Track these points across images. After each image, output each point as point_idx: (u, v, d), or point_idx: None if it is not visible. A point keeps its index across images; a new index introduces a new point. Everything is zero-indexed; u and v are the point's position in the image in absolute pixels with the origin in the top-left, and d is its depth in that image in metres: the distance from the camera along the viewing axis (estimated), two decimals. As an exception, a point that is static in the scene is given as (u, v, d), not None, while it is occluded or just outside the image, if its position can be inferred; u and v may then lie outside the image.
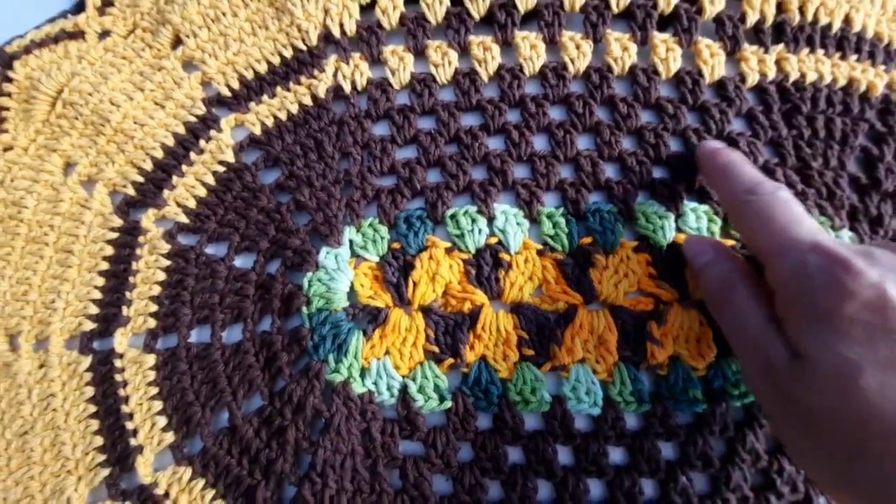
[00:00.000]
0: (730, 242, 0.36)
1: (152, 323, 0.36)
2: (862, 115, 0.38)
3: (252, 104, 0.39)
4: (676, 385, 0.34)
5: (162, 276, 0.37)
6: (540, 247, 0.36)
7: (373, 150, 0.38)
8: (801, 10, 0.39)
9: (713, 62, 0.38)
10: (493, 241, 0.36)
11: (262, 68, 0.39)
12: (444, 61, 0.39)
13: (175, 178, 0.38)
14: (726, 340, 0.34)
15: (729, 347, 0.34)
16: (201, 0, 0.40)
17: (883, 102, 0.38)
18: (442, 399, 0.34)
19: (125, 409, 0.35)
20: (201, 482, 0.33)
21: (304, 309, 0.35)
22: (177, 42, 0.41)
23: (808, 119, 0.38)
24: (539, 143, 0.38)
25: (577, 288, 0.35)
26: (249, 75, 0.39)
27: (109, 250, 0.37)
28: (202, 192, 0.38)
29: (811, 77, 0.38)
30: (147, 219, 0.38)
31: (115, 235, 0.38)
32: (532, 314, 0.35)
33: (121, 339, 0.36)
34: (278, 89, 0.39)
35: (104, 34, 0.41)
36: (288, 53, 0.39)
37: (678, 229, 0.36)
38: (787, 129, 0.38)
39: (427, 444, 0.34)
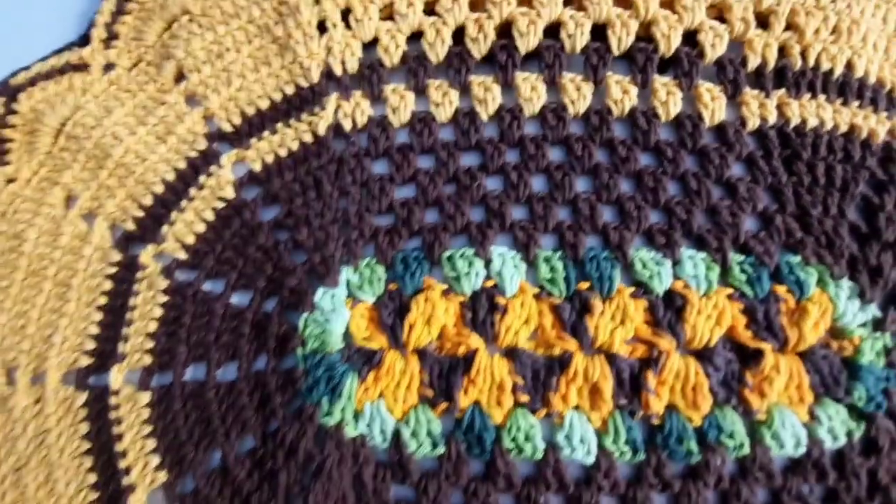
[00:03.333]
0: (728, 290, 0.36)
1: (148, 360, 0.36)
2: (863, 162, 0.37)
3: (253, 140, 0.39)
4: (671, 435, 0.34)
5: (159, 312, 0.37)
6: (537, 290, 0.36)
7: (371, 188, 0.38)
8: (803, 55, 0.38)
9: (713, 106, 0.38)
10: (490, 284, 0.36)
11: (264, 104, 0.40)
12: (444, 100, 0.39)
13: (174, 214, 0.38)
14: (721, 390, 0.34)
15: (725, 397, 0.34)
16: (205, 35, 0.40)
17: (884, 150, 0.38)
18: (435, 444, 0.34)
19: (119, 446, 0.35)
20: (193, 523, 0.33)
21: (299, 350, 0.35)
22: (180, 76, 0.41)
23: (809, 165, 0.37)
24: (537, 184, 0.38)
25: (573, 333, 0.35)
26: (251, 111, 0.40)
27: (108, 285, 0.38)
28: (201, 227, 0.38)
29: (812, 123, 0.38)
30: (146, 254, 0.38)
31: (114, 270, 0.38)
32: (527, 359, 0.35)
33: (116, 376, 0.36)
34: (279, 126, 0.39)
35: (109, 67, 0.42)
36: (290, 90, 0.40)
37: (675, 276, 0.36)
38: (787, 175, 0.37)
39: (419, 489, 0.33)
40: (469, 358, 0.35)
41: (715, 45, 0.38)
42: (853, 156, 0.38)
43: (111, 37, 0.42)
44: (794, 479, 0.33)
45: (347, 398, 0.35)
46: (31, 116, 0.40)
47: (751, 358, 0.35)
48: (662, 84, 0.38)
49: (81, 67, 0.42)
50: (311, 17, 0.39)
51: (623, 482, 0.34)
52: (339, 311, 0.35)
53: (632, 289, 0.36)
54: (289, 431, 0.34)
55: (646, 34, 0.39)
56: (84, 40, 0.42)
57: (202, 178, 0.39)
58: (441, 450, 0.34)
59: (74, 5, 0.43)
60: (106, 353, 0.37)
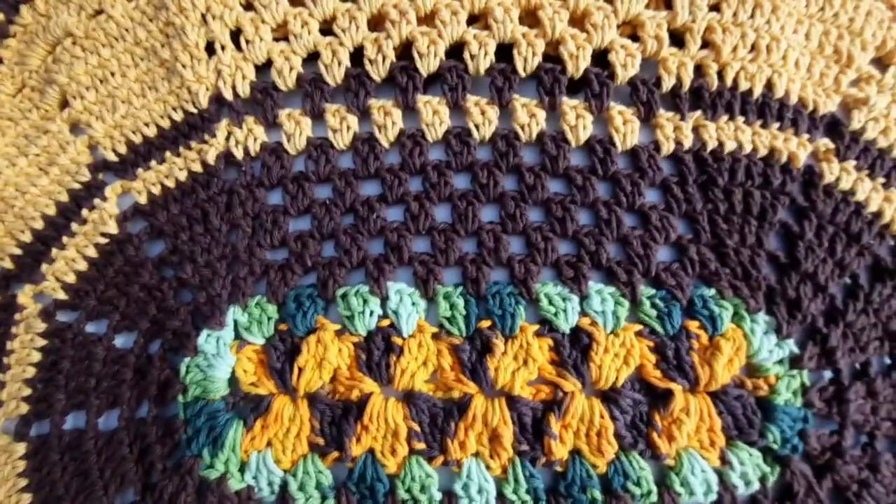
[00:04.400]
0: (637, 327, 0.34)
1: (25, 408, 0.34)
2: (783, 188, 0.35)
3: (139, 170, 0.37)
4: (575, 483, 0.32)
5: (37, 356, 0.35)
6: (435, 330, 0.34)
7: (264, 221, 0.36)
8: (721, 75, 0.36)
9: (626, 129, 0.36)
10: (386, 323, 0.34)
11: (151, 132, 0.37)
12: (342, 126, 0.36)
13: (55, 251, 0.36)
14: (628, 434, 0.32)
15: (632, 442, 0.32)
16: (89, 59, 0.38)
17: (806, 174, 0.36)
18: (324, 497, 0.32)
19: (-9, 502, 0.33)
20: (64, 586, 0.31)
21: (180, 398, 0.33)
22: (64, 103, 0.38)
23: (726, 192, 0.35)
24: (440, 214, 0.36)
25: (473, 376, 0.33)
26: (137, 139, 0.37)
27: (-16, 328, 0.35)
28: (83, 265, 0.36)
29: (730, 146, 0.36)
30: (24, 294, 0.36)
31: (-10, 312, 0.36)
32: (424, 404, 0.33)
33: (-9, 426, 0.34)
34: (167, 154, 0.37)
35: (-9, 92, 0.39)
36: (178, 116, 0.37)
37: (583, 312, 0.34)
38: (702, 203, 0.35)
39: (305, 546, 0.32)
40: (363, 403, 0.33)
41: (627, 64, 0.36)
42: (772, 181, 0.36)
43: (-6, 60, 0.39)
44: (704, 527, 0.32)
45: (231, 449, 0.32)
46: None
47: (660, 399, 0.33)
48: (571, 107, 0.36)
49: (-38, 93, 0.39)
50: (198, 39, 0.36)
51: (523, 534, 0.32)
52: (224, 356, 0.33)
53: (536, 326, 0.34)
54: (168, 486, 0.32)
55: (554, 54, 0.36)
56: (-33, 64, 0.40)
57: (85, 212, 0.36)
58: (331, 503, 0.32)
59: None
60: (-20, 401, 0.34)
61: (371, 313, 0.34)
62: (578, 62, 0.36)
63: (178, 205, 0.36)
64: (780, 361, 0.34)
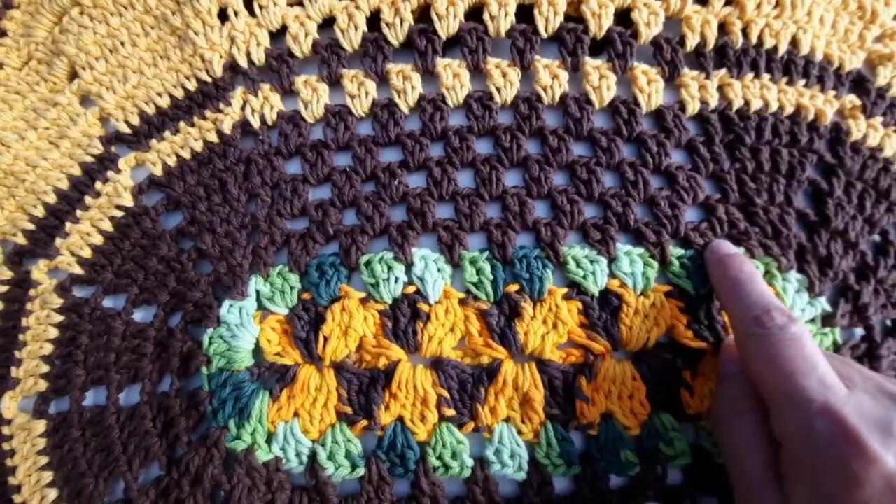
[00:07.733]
0: (666, 288, 0.33)
1: (43, 385, 0.33)
2: (810, 145, 0.35)
3: (153, 141, 0.36)
4: (608, 445, 0.32)
5: (54, 333, 0.34)
6: (462, 295, 0.33)
7: (283, 190, 0.35)
8: (745, 32, 0.36)
9: (650, 90, 0.35)
10: (411, 290, 0.33)
11: (165, 102, 0.36)
12: (360, 92, 0.36)
13: (69, 225, 0.35)
14: (660, 395, 0.32)
15: (663, 403, 0.32)
16: (98, 29, 0.37)
17: (833, 131, 0.35)
18: (354, 466, 0.32)
19: (12, 480, 0.32)
20: (91, 563, 0.31)
21: (204, 369, 0.32)
22: (73, 74, 0.38)
23: (753, 150, 0.35)
24: (463, 179, 0.35)
25: (502, 341, 0.32)
26: (150, 110, 0.36)
27: (-2, 305, 0.35)
28: (98, 239, 0.35)
29: (756, 104, 0.35)
30: (38, 270, 0.35)
31: (4, 289, 0.35)
32: (453, 370, 0.32)
33: (9, 404, 0.33)
34: (182, 125, 0.36)
35: (-3, 66, 0.38)
36: (191, 86, 0.36)
37: (611, 275, 0.33)
38: (729, 162, 0.35)
39: (337, 516, 0.31)
40: (390, 371, 0.32)
41: (650, 23, 0.35)
42: (800, 139, 0.35)
43: (-1, 33, 0.38)
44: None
45: (258, 419, 0.32)
46: (-88, 123, 0.37)
47: (692, 359, 0.33)
48: (595, 67, 0.35)
49: (-33, 67, 0.38)
50: (210, 5, 0.36)
51: (558, 498, 0.31)
52: (247, 326, 0.33)
53: (564, 290, 0.33)
54: (194, 458, 0.31)
55: (576, 13, 0.36)
56: (-30, 38, 0.39)
57: (98, 185, 0.35)
58: (361, 471, 0.32)
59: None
60: (-3, 379, 0.34)
61: (396, 280, 0.33)
62: (601, 21, 0.35)
63: (195, 175, 0.35)
64: (813, 320, 0.33)
